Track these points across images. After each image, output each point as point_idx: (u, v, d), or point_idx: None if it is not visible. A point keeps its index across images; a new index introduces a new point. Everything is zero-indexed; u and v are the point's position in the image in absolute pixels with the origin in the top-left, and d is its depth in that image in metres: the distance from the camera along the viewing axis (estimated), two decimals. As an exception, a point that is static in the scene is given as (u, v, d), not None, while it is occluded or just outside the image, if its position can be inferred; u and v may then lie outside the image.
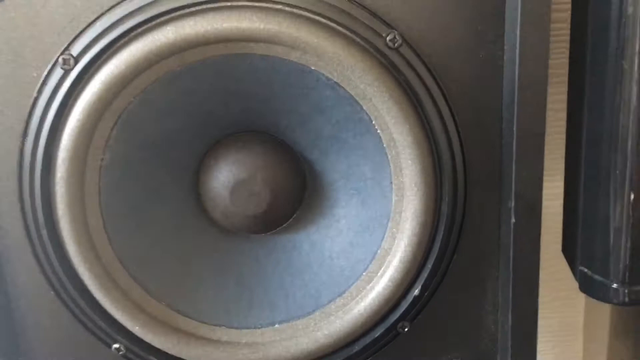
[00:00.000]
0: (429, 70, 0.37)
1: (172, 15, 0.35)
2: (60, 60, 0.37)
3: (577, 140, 0.41)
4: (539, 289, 0.41)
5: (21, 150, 0.38)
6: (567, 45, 0.43)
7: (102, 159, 0.38)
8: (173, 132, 0.39)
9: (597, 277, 0.40)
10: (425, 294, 0.41)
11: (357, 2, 0.37)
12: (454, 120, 0.38)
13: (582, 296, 0.61)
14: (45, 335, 0.43)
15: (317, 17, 0.36)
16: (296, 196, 0.42)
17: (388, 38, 0.37)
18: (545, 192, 0.39)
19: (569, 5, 0.42)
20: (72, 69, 0.36)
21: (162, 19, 0.35)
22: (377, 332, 0.42)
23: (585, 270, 0.41)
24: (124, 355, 0.42)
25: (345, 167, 0.40)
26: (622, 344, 0.58)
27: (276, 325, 0.41)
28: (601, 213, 0.38)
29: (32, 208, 0.39)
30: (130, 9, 0.36)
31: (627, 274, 0.38)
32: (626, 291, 0.38)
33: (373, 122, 0.37)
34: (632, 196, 0.37)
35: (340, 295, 0.41)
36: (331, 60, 0.35)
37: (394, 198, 0.39)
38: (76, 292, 0.40)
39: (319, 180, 0.42)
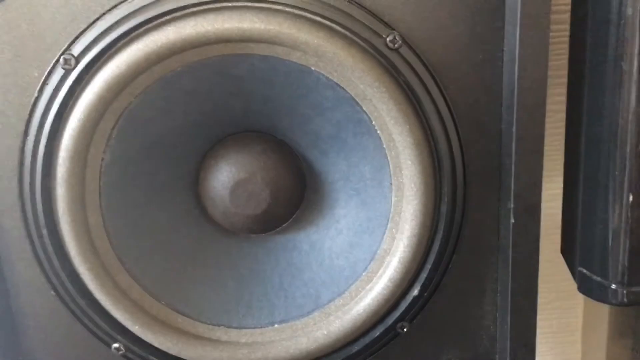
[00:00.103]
0: (428, 71, 0.37)
1: (173, 15, 0.35)
2: (61, 60, 0.37)
3: (576, 141, 0.41)
4: (538, 289, 0.41)
5: (22, 149, 0.39)
6: (567, 46, 0.43)
7: (102, 159, 0.38)
8: (173, 132, 0.39)
9: (595, 278, 0.40)
10: (425, 294, 0.41)
11: (357, 3, 0.37)
12: (454, 121, 0.38)
13: (581, 297, 0.61)
14: (45, 334, 0.43)
15: (317, 18, 0.36)
16: (296, 196, 0.42)
17: (388, 39, 0.37)
18: (544, 193, 0.39)
19: (569, 7, 0.42)
20: (73, 68, 0.37)
21: (163, 19, 0.35)
22: (377, 332, 0.42)
23: (584, 271, 0.41)
24: (123, 355, 0.42)
25: (345, 167, 0.40)
26: (621, 344, 0.58)
27: (276, 325, 0.41)
28: (600, 214, 0.38)
29: (33, 207, 0.39)
30: (131, 9, 0.36)
31: (625, 275, 0.38)
32: (625, 292, 0.38)
33: (373, 123, 0.38)
34: (630, 197, 0.37)
35: (339, 295, 0.41)
36: (331, 60, 0.36)
37: (393, 198, 0.39)
38: (76, 292, 0.40)
39: (318, 180, 0.42)
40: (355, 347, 0.42)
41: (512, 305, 0.41)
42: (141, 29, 0.35)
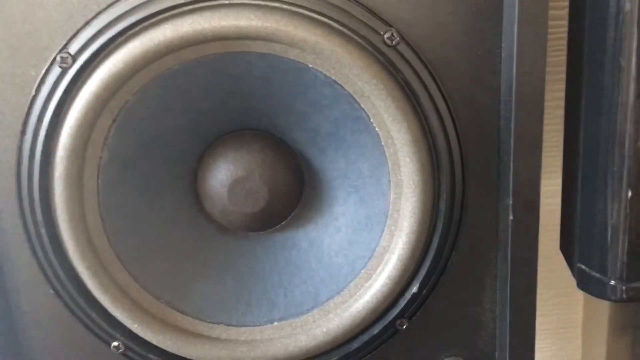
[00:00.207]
0: (426, 67, 0.37)
1: (170, 13, 0.35)
2: (58, 58, 0.37)
3: (575, 137, 0.41)
4: (538, 286, 0.41)
5: (19, 148, 0.38)
6: (565, 42, 0.43)
7: (100, 157, 0.38)
8: (171, 130, 0.39)
9: (594, 274, 0.40)
10: (424, 291, 0.41)
11: (354, 0, 0.37)
12: (452, 118, 0.38)
13: (581, 293, 0.61)
14: (44, 333, 0.43)
15: (314, 15, 0.36)
16: (294, 194, 0.42)
17: (386, 36, 0.37)
18: (543, 189, 0.39)
19: (567, 3, 0.42)
20: (70, 67, 0.36)
21: (160, 17, 0.35)
22: (376, 330, 0.42)
23: (583, 267, 0.41)
24: (123, 353, 0.42)
25: (343, 164, 0.40)
26: (621, 340, 0.59)
27: (275, 323, 0.41)
28: (599, 210, 0.38)
29: (31, 206, 0.39)
30: (128, 7, 0.36)
31: (624, 271, 0.38)
32: (624, 288, 0.38)
33: (371, 120, 0.37)
34: (629, 193, 0.37)
35: (338, 292, 0.41)
36: (329, 58, 0.35)
37: (392, 195, 0.39)
38: (75, 290, 0.41)
39: (317, 178, 0.42)
40: (355, 345, 0.42)
41: (511, 302, 0.40)
42: (138, 27, 0.35)
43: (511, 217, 0.39)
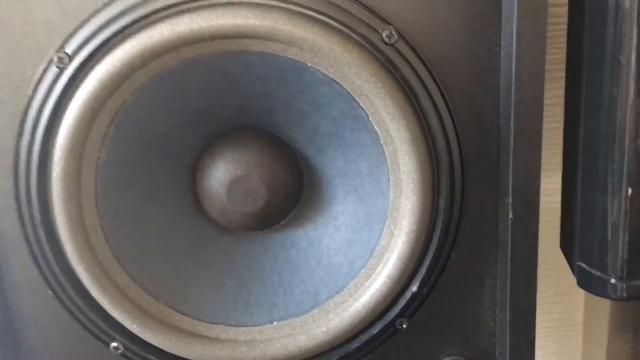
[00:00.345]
0: (425, 66, 0.37)
1: (167, 12, 0.35)
2: (55, 58, 0.37)
3: (574, 135, 0.41)
4: (539, 284, 0.41)
5: (17, 149, 0.38)
6: (565, 40, 0.43)
7: (98, 158, 0.38)
8: (169, 129, 0.39)
9: (595, 272, 0.40)
10: (424, 290, 0.41)
11: (353, -2, 0.36)
12: (451, 116, 0.38)
13: (581, 291, 0.61)
14: (43, 334, 0.43)
15: (312, 14, 0.36)
16: (293, 193, 0.42)
17: (384, 34, 0.36)
18: (543, 187, 0.39)
19: (566, 0, 0.42)
20: (67, 67, 0.36)
21: (157, 16, 0.35)
22: (376, 329, 0.42)
23: (583, 265, 0.41)
24: (122, 354, 0.42)
25: (342, 163, 0.40)
26: (622, 338, 0.58)
27: (274, 323, 0.41)
28: (599, 208, 0.38)
29: (29, 207, 0.39)
30: (125, 7, 0.36)
31: (625, 269, 0.38)
32: (624, 286, 0.38)
33: (370, 119, 0.37)
34: (629, 191, 0.37)
35: (338, 292, 0.41)
36: (327, 56, 0.35)
37: (391, 194, 0.39)
38: (73, 291, 0.40)
39: (316, 177, 0.42)
40: (355, 344, 0.42)
41: (511, 300, 0.40)
42: (135, 26, 0.35)
43: (511, 216, 0.39)
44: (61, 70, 0.37)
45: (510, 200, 0.38)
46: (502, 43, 0.37)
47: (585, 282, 0.41)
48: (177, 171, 0.41)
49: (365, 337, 0.42)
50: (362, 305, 0.40)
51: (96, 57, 0.36)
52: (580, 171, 0.40)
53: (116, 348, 0.42)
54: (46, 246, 0.39)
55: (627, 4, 0.34)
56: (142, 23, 0.35)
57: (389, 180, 0.39)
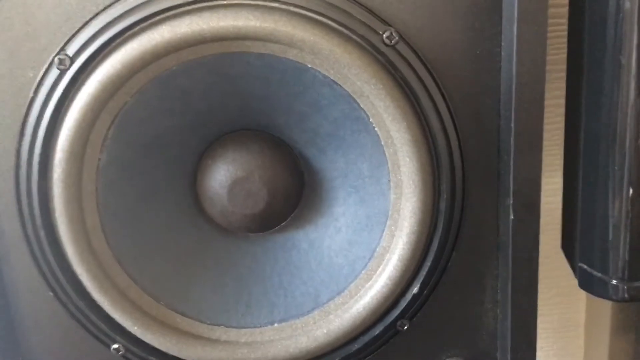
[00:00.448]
0: (426, 67, 0.37)
1: (168, 14, 0.35)
2: (56, 60, 0.37)
3: (575, 136, 0.41)
4: (540, 285, 0.41)
5: (18, 150, 0.38)
6: (565, 40, 0.43)
7: (99, 159, 0.38)
8: (170, 131, 0.39)
9: (596, 273, 0.39)
10: (425, 291, 0.41)
11: (353, 0, 0.36)
12: (452, 117, 0.38)
13: (583, 292, 0.61)
14: (44, 336, 0.43)
15: (313, 15, 0.36)
16: (294, 195, 0.42)
17: (385, 35, 0.36)
18: (545, 187, 0.39)
19: (567, 0, 0.42)
20: (68, 69, 0.36)
21: (158, 18, 0.35)
22: (377, 330, 0.42)
23: (585, 266, 0.40)
24: (123, 356, 0.42)
25: (343, 165, 0.40)
26: (624, 339, 0.58)
27: (275, 324, 0.41)
28: (600, 209, 0.38)
29: (30, 209, 0.39)
30: (126, 8, 0.36)
31: (626, 270, 0.38)
32: (625, 287, 0.38)
33: (370, 120, 0.37)
34: (630, 192, 0.37)
35: (339, 293, 0.41)
36: (328, 58, 0.35)
37: (392, 196, 0.39)
38: (74, 293, 0.40)
39: (317, 178, 0.42)
40: (355, 346, 0.42)
41: (513, 302, 0.40)
42: (136, 28, 0.35)
43: (512, 217, 0.39)
44: (62, 72, 0.37)
45: (511, 202, 0.38)
46: (502, 44, 0.37)
47: (587, 283, 0.41)
48: (177, 172, 0.41)
49: (366, 338, 0.42)
50: (363, 307, 0.40)
51: (97, 59, 0.36)
52: (581, 172, 0.40)
53: (117, 350, 0.42)
54: (47, 247, 0.39)
55: (627, 5, 0.34)
56: (143, 25, 0.35)
57: (389, 181, 0.39)
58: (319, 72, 0.36)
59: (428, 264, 0.40)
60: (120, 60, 0.35)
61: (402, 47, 0.37)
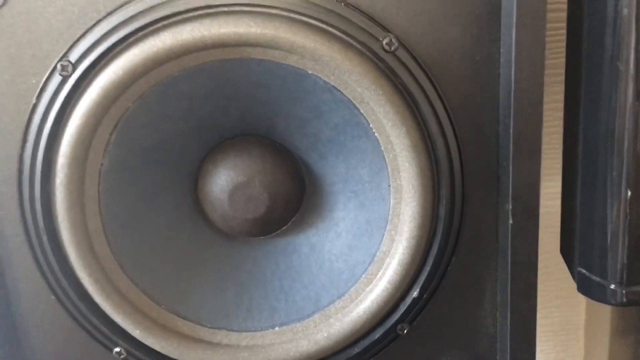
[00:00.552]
0: (425, 73, 0.37)
1: (169, 21, 0.35)
2: (58, 66, 0.37)
3: (574, 140, 0.41)
4: (540, 287, 0.41)
5: (20, 156, 0.39)
6: (564, 45, 0.43)
7: (101, 164, 0.38)
8: (171, 136, 0.39)
9: (595, 277, 0.40)
10: (424, 295, 0.41)
11: (353, 6, 0.37)
12: (451, 123, 0.38)
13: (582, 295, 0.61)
14: (46, 339, 0.43)
15: (313, 22, 0.36)
16: (295, 199, 0.42)
17: (384, 42, 0.37)
18: (544, 191, 0.39)
19: (565, 6, 0.42)
20: (70, 75, 0.37)
21: (159, 24, 0.35)
22: (377, 334, 0.42)
23: (583, 271, 0.41)
24: (125, 359, 0.43)
25: (343, 170, 0.41)
26: (624, 342, 0.58)
27: (276, 328, 0.42)
28: (598, 214, 0.38)
29: (32, 213, 0.39)
30: (128, 15, 0.36)
31: (624, 275, 0.38)
32: (624, 292, 0.38)
33: (370, 126, 0.38)
34: (628, 196, 0.37)
35: (339, 297, 0.41)
36: (328, 64, 0.36)
37: (392, 200, 0.39)
38: (77, 297, 0.41)
39: (317, 183, 0.42)
40: (356, 349, 0.42)
41: (512, 305, 0.40)
42: (138, 35, 0.36)
43: (511, 222, 0.39)
44: (64, 78, 0.37)
45: (510, 206, 0.39)
46: (501, 50, 0.37)
47: (585, 287, 0.41)
48: (179, 177, 0.41)
49: (366, 342, 0.42)
50: (363, 311, 0.40)
51: (99, 65, 0.36)
52: (579, 176, 0.41)
53: (119, 353, 0.42)
54: (49, 252, 0.40)
55: (625, 11, 0.34)
56: (145, 31, 0.35)
57: (389, 186, 0.39)
58: (320, 78, 0.36)
59: (428, 268, 0.41)
60: (122, 66, 0.35)
61: (401, 53, 0.37)
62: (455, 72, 0.38)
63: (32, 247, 0.40)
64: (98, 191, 0.38)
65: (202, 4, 0.35)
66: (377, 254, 0.40)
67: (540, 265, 0.40)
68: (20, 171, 0.39)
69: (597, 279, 0.39)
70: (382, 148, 0.38)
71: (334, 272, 0.41)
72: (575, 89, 0.40)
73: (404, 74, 0.37)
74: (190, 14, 0.35)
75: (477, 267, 0.42)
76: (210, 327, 0.41)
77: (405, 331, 0.42)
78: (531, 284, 0.40)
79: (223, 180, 0.41)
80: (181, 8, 0.35)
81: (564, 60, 0.44)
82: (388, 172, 0.38)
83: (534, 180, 0.38)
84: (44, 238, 0.39)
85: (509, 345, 0.42)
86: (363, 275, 0.40)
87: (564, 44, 0.44)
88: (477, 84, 0.38)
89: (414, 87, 0.37)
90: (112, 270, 0.40)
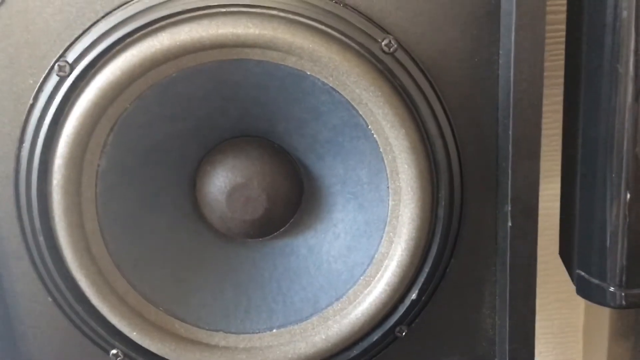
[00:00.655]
0: (424, 74, 0.37)
1: (167, 21, 0.35)
2: (56, 67, 0.37)
3: (573, 142, 0.41)
4: (539, 290, 0.41)
5: (17, 156, 0.39)
6: (563, 47, 0.43)
7: (98, 165, 0.38)
8: (169, 137, 0.39)
9: (594, 280, 0.40)
10: (423, 297, 0.41)
11: (352, 8, 0.37)
12: (450, 124, 0.38)
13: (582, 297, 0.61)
14: (43, 341, 0.43)
15: (312, 23, 0.36)
16: (293, 201, 0.42)
17: (383, 43, 0.37)
18: (543, 193, 0.39)
19: (565, 8, 0.42)
20: (67, 75, 0.37)
21: (157, 25, 0.35)
22: (375, 336, 0.42)
23: (582, 273, 0.41)
24: (122, 361, 0.42)
25: (342, 171, 0.40)
26: (622, 345, 0.58)
27: (274, 330, 0.41)
28: (598, 216, 0.38)
29: (29, 214, 0.39)
30: (126, 16, 0.36)
31: (623, 277, 0.38)
32: (623, 294, 0.38)
33: (369, 127, 0.37)
34: (628, 198, 0.37)
35: (337, 299, 0.41)
36: (327, 65, 0.35)
37: (390, 202, 0.39)
38: (73, 298, 0.40)
39: (316, 184, 0.42)
40: (354, 352, 0.42)
41: (511, 308, 0.40)
42: (136, 35, 0.35)
43: (510, 224, 0.39)
44: (62, 79, 0.37)
45: (509, 208, 0.38)
46: (500, 51, 0.37)
47: (584, 290, 0.41)
48: (177, 179, 0.41)
49: (364, 344, 0.42)
50: (361, 313, 0.40)
51: (97, 66, 0.36)
52: (579, 178, 0.41)
53: (116, 355, 0.42)
54: (46, 253, 0.39)
55: (624, 13, 0.34)
56: (143, 32, 0.35)
57: (388, 188, 0.39)
58: (318, 79, 0.36)
59: (426, 270, 0.40)
60: (119, 67, 0.35)
61: (400, 54, 0.37)
62: (454, 74, 0.38)
63: (28, 248, 0.40)
64: (95, 192, 0.38)
65: (200, 4, 0.35)
66: (376, 255, 0.40)
67: (539, 267, 0.40)
68: (17, 171, 0.39)
69: (596, 281, 0.39)
70: (381, 149, 0.38)
71: (332, 273, 0.41)
72: (574, 91, 0.40)
73: (402, 76, 0.37)
74: (188, 15, 0.35)
75: (476, 269, 0.42)
76: (207, 329, 0.41)
77: (403, 333, 0.42)
78: (530, 286, 0.40)
79: (221, 182, 0.41)
80: (179, 9, 0.35)
81: (563, 62, 0.44)
82: (387, 174, 0.38)
83: (533, 181, 0.38)
84: (41, 239, 0.39)
85: (507, 347, 0.42)
86: (361, 277, 0.40)
87: (563, 46, 0.44)
88: (476, 85, 0.38)
89: (413, 89, 0.37)
90: (109, 271, 0.40)
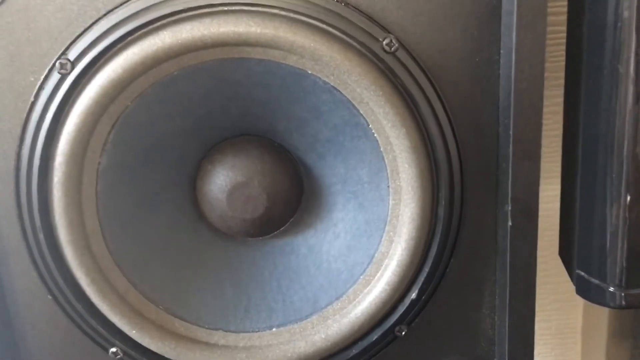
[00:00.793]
0: (425, 74, 0.37)
1: (169, 19, 0.35)
2: (57, 64, 0.37)
3: (573, 143, 0.41)
4: (538, 290, 0.41)
5: (18, 154, 0.39)
6: (564, 48, 0.43)
7: (99, 163, 0.38)
8: (170, 136, 0.39)
9: (593, 280, 0.40)
10: (423, 297, 0.41)
11: (353, 7, 0.37)
12: (451, 124, 0.38)
13: (580, 298, 0.61)
14: (42, 339, 0.43)
15: (313, 22, 0.36)
16: (293, 200, 0.42)
17: (384, 42, 0.37)
18: (543, 194, 0.39)
19: (565, 9, 0.42)
20: (69, 73, 0.37)
21: (159, 23, 0.35)
22: (375, 336, 0.42)
23: (582, 273, 0.41)
24: (121, 359, 0.42)
25: (342, 170, 0.40)
26: (621, 346, 0.58)
27: (274, 329, 0.41)
28: (598, 216, 0.38)
29: (29, 212, 0.39)
30: (127, 14, 0.36)
31: (623, 278, 0.38)
32: (623, 294, 0.38)
33: (370, 126, 0.38)
34: (628, 199, 0.37)
35: (337, 298, 0.41)
36: (328, 64, 0.36)
37: (391, 202, 0.39)
38: (73, 296, 0.40)
39: (316, 183, 0.42)
40: (354, 351, 0.42)
41: (510, 308, 0.40)
42: (137, 33, 0.35)
43: (510, 224, 0.39)
44: (63, 77, 0.37)
45: (509, 208, 0.38)
46: (501, 51, 0.37)
47: (584, 290, 0.41)
48: (177, 177, 0.41)
49: (364, 343, 0.42)
50: (361, 312, 0.40)
51: (98, 64, 0.36)
52: (579, 179, 0.41)
53: (115, 353, 0.42)
54: (46, 251, 0.39)
55: (625, 14, 0.34)
56: (144, 30, 0.35)
57: (388, 187, 0.39)
58: (319, 78, 0.36)
59: (426, 269, 0.40)
60: (121, 65, 0.35)
61: (401, 54, 0.37)
62: (455, 73, 0.38)
63: (28, 246, 0.40)
64: (96, 190, 0.38)
65: (202, 3, 0.35)
66: (376, 255, 0.40)
67: (538, 267, 0.40)
68: (17, 169, 0.39)
69: (596, 281, 0.39)
70: (382, 149, 0.38)
71: (332, 273, 0.41)
72: (575, 92, 0.41)
73: (403, 75, 0.37)
74: (190, 13, 0.35)
75: (475, 268, 0.42)
76: (207, 328, 0.41)
77: (403, 333, 0.42)
78: (529, 286, 0.40)
79: (222, 180, 0.41)
80: (181, 7, 0.35)
81: (563, 63, 0.44)
82: (387, 173, 0.38)
83: (534, 182, 0.38)
84: (41, 236, 0.39)
85: (507, 348, 0.42)
86: (361, 277, 0.40)
87: (563, 47, 0.44)
88: (477, 85, 0.38)
89: (414, 88, 0.37)
90: (109, 269, 0.40)
